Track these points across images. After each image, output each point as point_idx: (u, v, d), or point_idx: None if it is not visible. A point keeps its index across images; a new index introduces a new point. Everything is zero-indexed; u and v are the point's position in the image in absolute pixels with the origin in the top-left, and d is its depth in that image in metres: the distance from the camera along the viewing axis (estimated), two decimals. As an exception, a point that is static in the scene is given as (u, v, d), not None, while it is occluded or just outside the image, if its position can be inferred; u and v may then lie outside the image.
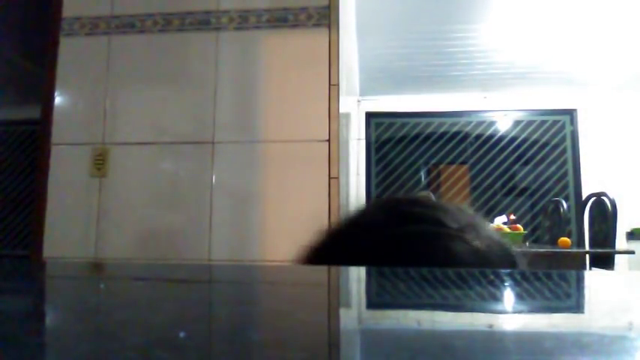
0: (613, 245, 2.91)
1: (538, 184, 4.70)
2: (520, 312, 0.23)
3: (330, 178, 1.62)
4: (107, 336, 0.17)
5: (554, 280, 0.33)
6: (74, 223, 1.75)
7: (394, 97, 4.80)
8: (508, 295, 0.28)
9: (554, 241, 3.30)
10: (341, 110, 1.75)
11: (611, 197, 2.99)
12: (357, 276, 0.37)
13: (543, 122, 4.76)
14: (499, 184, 4.76)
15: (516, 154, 4.76)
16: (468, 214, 0.46)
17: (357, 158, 4.80)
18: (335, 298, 0.27)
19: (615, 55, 3.79)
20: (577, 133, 4.67)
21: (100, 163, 1.75)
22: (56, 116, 1.80)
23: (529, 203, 4.71)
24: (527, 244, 3.56)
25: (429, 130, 4.88)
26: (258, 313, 0.21)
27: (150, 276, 0.34)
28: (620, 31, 3.38)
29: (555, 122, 4.74)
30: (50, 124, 1.79)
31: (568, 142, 4.70)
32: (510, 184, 4.74)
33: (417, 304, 0.25)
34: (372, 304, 0.26)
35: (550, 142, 4.74)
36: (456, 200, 4.79)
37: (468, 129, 4.84)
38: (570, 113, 4.71)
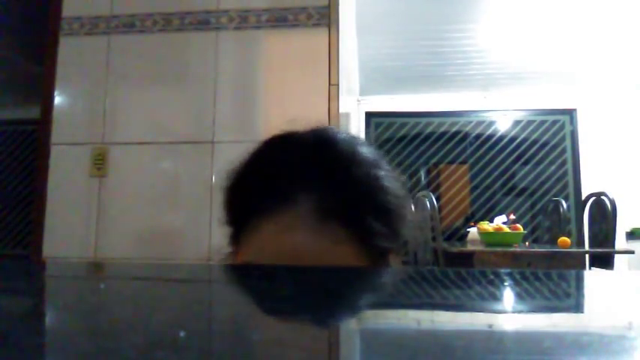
0: (613, 245, 2.91)
1: (538, 184, 4.70)
2: (520, 312, 0.23)
3: (329, 177, 1.62)
4: (107, 336, 0.17)
5: (554, 280, 0.33)
6: (74, 223, 1.75)
7: (394, 96, 4.80)
8: (508, 295, 0.28)
9: (553, 241, 3.31)
10: (341, 110, 1.75)
11: (610, 197, 2.99)
12: (356, 276, 0.37)
13: (543, 122, 4.76)
14: (499, 183, 4.76)
15: (516, 154, 4.76)
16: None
17: (356, 158, 4.79)
18: (335, 298, 0.27)
19: (615, 55, 3.79)
20: (577, 132, 4.67)
21: (99, 163, 1.75)
22: (56, 116, 1.80)
23: (529, 203, 4.71)
24: (527, 243, 3.56)
25: (428, 130, 4.88)
26: (258, 313, 0.21)
27: (150, 276, 0.34)
28: (621, 31, 3.38)
29: (555, 122, 4.74)
30: (50, 124, 1.79)
31: (568, 142, 4.70)
32: (510, 184, 4.74)
33: (417, 304, 0.25)
34: (372, 304, 0.26)
35: (550, 142, 4.74)
36: (455, 200, 4.79)
37: (467, 129, 4.84)
38: (570, 113, 4.71)
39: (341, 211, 0.48)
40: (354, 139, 0.54)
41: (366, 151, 0.53)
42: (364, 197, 0.50)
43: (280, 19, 1.75)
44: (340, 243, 0.48)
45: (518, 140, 4.78)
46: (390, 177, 0.53)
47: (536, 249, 2.78)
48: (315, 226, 0.47)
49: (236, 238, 0.52)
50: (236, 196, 0.53)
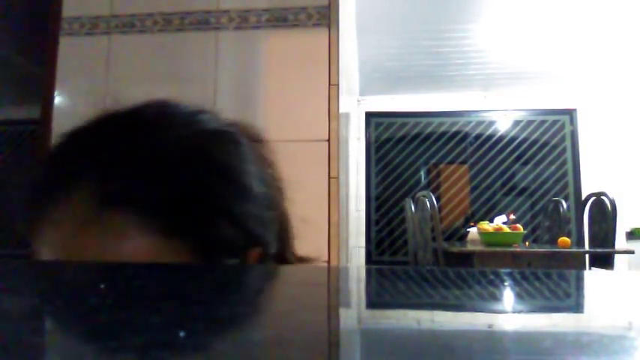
0: (613, 245, 2.92)
1: (538, 184, 4.70)
2: (520, 312, 0.23)
3: (329, 177, 1.62)
4: (107, 336, 0.17)
5: (554, 280, 0.33)
6: (74, 223, 1.74)
7: (394, 96, 4.81)
8: (508, 295, 0.28)
9: (554, 241, 3.31)
10: (341, 110, 1.75)
11: (610, 197, 2.99)
12: (356, 276, 0.37)
13: (543, 122, 4.76)
14: (499, 183, 4.76)
15: (516, 154, 4.76)
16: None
17: (356, 158, 4.80)
18: (335, 298, 0.27)
19: (615, 55, 3.79)
20: (577, 132, 4.68)
21: (99, 162, 1.74)
22: (56, 116, 1.80)
23: (529, 203, 4.71)
24: (527, 243, 3.56)
25: (428, 130, 4.88)
26: (257, 313, 0.21)
27: (150, 276, 0.34)
28: (621, 31, 3.38)
29: (555, 122, 4.75)
30: (50, 124, 1.79)
31: (568, 142, 4.71)
32: (510, 184, 4.75)
33: (417, 304, 0.25)
34: (372, 304, 0.26)
35: (550, 142, 4.74)
36: (455, 200, 4.79)
37: (467, 129, 4.84)
38: (570, 113, 4.71)
39: (131, 194, 0.37)
40: (181, 108, 0.43)
41: (194, 120, 0.43)
42: (167, 175, 0.39)
43: (280, 19, 1.75)
44: (132, 235, 0.37)
45: (518, 140, 4.78)
46: (230, 155, 0.43)
47: (536, 249, 2.78)
48: (93, 216, 0.37)
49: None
50: (26, 196, 0.43)
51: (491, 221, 3.03)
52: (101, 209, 0.37)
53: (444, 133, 4.86)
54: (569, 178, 4.66)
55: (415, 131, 4.89)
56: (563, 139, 4.72)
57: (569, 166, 4.67)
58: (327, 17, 1.73)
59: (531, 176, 4.73)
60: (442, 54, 3.79)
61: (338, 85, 1.69)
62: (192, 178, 0.39)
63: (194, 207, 0.39)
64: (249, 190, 0.43)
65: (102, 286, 0.29)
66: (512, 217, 3.19)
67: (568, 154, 4.68)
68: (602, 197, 3.07)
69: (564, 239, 2.89)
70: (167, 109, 0.44)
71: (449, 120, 4.84)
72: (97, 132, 0.43)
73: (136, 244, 0.37)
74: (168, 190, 0.38)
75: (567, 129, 4.72)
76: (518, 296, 0.27)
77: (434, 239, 3.00)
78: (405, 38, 3.51)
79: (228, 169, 0.42)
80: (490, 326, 0.20)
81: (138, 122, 0.42)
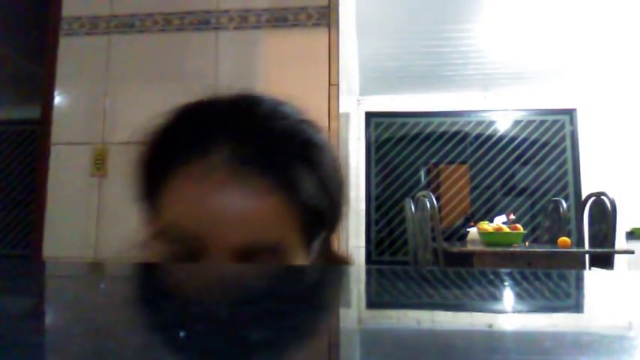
0: (613, 245, 2.91)
1: (538, 184, 4.70)
2: (520, 312, 0.23)
3: (329, 177, 1.62)
4: (107, 336, 0.17)
5: (554, 280, 0.33)
6: (74, 223, 1.75)
7: (394, 96, 4.80)
8: (508, 295, 0.28)
9: (553, 241, 3.31)
10: (341, 110, 1.75)
11: (610, 197, 2.99)
12: (356, 276, 0.37)
13: (543, 122, 4.76)
14: (499, 183, 4.76)
15: (516, 154, 4.76)
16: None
17: (356, 158, 4.80)
18: (335, 298, 0.27)
19: (615, 55, 3.79)
20: (577, 132, 4.68)
21: (99, 162, 1.75)
22: (56, 116, 1.80)
23: (529, 203, 4.71)
24: (526, 243, 3.56)
25: (428, 130, 4.88)
26: (258, 313, 0.21)
27: (150, 276, 0.34)
28: (621, 31, 3.38)
29: (555, 122, 4.74)
30: (50, 124, 1.79)
31: (567, 142, 4.71)
32: (510, 184, 4.75)
33: (417, 304, 0.25)
34: (372, 304, 0.26)
35: (549, 142, 4.74)
36: (455, 200, 4.79)
37: (467, 129, 4.84)
38: (570, 113, 4.71)
39: (259, 158, 0.44)
40: (279, 100, 0.52)
41: (293, 111, 0.51)
42: (285, 145, 0.46)
43: (280, 19, 1.75)
44: (260, 192, 0.44)
45: (518, 140, 4.78)
46: (322, 139, 0.50)
47: (536, 249, 2.78)
48: (231, 173, 0.44)
49: (151, 209, 0.48)
50: (148, 159, 0.49)
51: (491, 221, 3.03)
52: (239, 169, 0.44)
53: (444, 133, 4.86)
54: (569, 178, 4.66)
55: (415, 131, 4.89)
56: (563, 139, 4.72)
57: (569, 166, 4.67)
58: (327, 17, 1.73)
59: (531, 176, 4.72)
60: (442, 54, 3.79)
61: (338, 85, 1.69)
62: (302, 152, 0.47)
63: (304, 175, 0.46)
64: (336, 171, 0.50)
65: (102, 286, 0.29)
66: (512, 217, 3.19)
67: (568, 154, 4.68)
68: (602, 197, 3.07)
69: (564, 239, 2.89)
70: (273, 98, 0.51)
71: (449, 120, 4.84)
72: (222, 107, 0.49)
73: (264, 203, 0.44)
74: (287, 159, 0.46)
75: (567, 129, 4.72)
76: (518, 296, 0.27)
77: (434, 239, 3.00)
78: (405, 38, 3.51)
79: (324, 148, 0.49)
80: (490, 326, 0.20)
81: (255, 104, 0.48)
